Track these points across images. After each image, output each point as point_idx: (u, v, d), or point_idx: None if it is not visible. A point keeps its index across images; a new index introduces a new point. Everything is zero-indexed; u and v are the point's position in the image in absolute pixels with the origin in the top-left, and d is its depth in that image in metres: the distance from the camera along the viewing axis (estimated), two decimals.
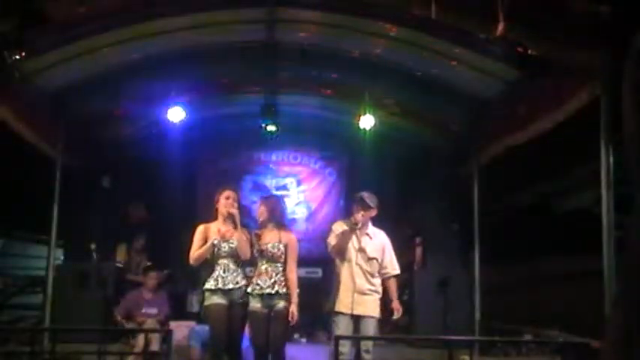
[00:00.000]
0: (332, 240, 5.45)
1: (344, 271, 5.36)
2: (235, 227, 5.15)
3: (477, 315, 7.58)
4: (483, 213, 7.78)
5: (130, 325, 6.96)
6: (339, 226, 5.47)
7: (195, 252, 5.13)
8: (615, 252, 4.81)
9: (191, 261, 5.17)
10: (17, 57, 5.50)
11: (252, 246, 5.20)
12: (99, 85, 7.06)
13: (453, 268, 8.11)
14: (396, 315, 5.45)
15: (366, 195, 5.43)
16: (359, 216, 5.32)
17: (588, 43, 4.87)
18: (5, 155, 6.88)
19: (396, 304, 5.44)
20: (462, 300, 7.57)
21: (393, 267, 5.54)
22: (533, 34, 5.22)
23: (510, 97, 6.68)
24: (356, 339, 5.12)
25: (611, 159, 4.95)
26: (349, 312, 5.25)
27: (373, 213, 5.43)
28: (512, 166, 7.41)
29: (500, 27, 4.98)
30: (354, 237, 5.39)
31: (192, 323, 7.16)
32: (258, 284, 5.14)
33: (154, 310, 7.13)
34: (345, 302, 5.27)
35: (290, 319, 5.10)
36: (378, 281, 5.45)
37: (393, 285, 5.52)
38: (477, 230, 7.74)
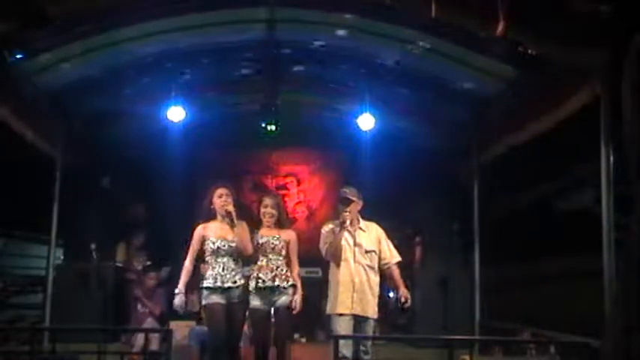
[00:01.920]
0: (323, 244, 5.32)
1: (343, 271, 5.22)
2: (233, 225, 5.12)
3: (477, 315, 7.59)
4: (483, 212, 7.78)
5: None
6: (328, 228, 5.34)
7: (188, 262, 5.14)
8: (615, 252, 4.81)
9: (186, 263, 5.17)
10: (17, 56, 5.50)
11: (252, 240, 5.20)
12: (99, 85, 7.05)
13: (452, 268, 8.12)
14: (404, 301, 5.25)
15: (346, 191, 5.35)
16: (346, 214, 5.21)
17: (588, 43, 4.87)
18: (5, 155, 6.89)
19: (404, 291, 5.26)
20: (462, 300, 7.57)
21: (393, 255, 5.39)
22: (533, 34, 5.21)
23: (510, 96, 6.68)
24: (355, 338, 5.07)
25: (611, 159, 4.95)
26: (349, 312, 5.14)
27: (358, 206, 5.31)
28: (512, 165, 7.41)
29: (501, 27, 4.98)
30: (347, 235, 5.26)
31: (192, 323, 7.17)
32: (260, 277, 5.13)
33: (150, 307, 7.16)
34: (345, 303, 5.15)
35: (292, 307, 5.10)
36: (376, 279, 5.31)
37: (396, 273, 5.35)
38: (476, 230, 7.74)
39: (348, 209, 5.23)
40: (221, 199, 5.17)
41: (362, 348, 5.06)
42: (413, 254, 8.83)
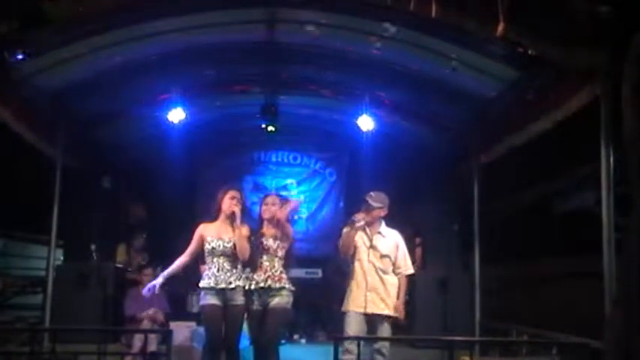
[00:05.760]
0: (340, 241, 5.47)
1: (356, 270, 5.37)
2: (233, 228, 5.14)
3: (477, 315, 7.58)
4: (483, 213, 7.77)
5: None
6: (347, 229, 5.45)
7: (182, 256, 5.25)
8: (615, 252, 4.81)
9: (180, 257, 5.28)
10: (17, 57, 5.50)
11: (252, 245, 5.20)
12: (99, 86, 7.05)
13: (452, 268, 8.12)
14: (395, 314, 5.34)
15: (371, 195, 5.47)
16: (359, 215, 5.35)
17: (588, 43, 4.87)
18: (5, 155, 6.89)
19: (398, 304, 5.37)
20: (462, 300, 7.58)
21: (407, 266, 5.53)
22: (533, 34, 5.22)
23: (510, 97, 6.68)
24: (356, 339, 5.07)
25: (611, 159, 4.95)
26: (362, 310, 5.26)
27: (379, 213, 5.43)
28: (512, 166, 7.41)
29: (500, 27, 4.99)
30: (364, 235, 5.40)
31: (192, 324, 7.16)
32: (254, 279, 5.18)
33: (152, 309, 7.15)
34: (357, 301, 5.29)
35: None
36: (392, 280, 5.40)
37: (403, 284, 5.47)
38: (476, 230, 7.74)
39: (364, 213, 5.37)
40: (232, 200, 5.22)
41: (376, 346, 5.14)
42: (413, 255, 8.82)
